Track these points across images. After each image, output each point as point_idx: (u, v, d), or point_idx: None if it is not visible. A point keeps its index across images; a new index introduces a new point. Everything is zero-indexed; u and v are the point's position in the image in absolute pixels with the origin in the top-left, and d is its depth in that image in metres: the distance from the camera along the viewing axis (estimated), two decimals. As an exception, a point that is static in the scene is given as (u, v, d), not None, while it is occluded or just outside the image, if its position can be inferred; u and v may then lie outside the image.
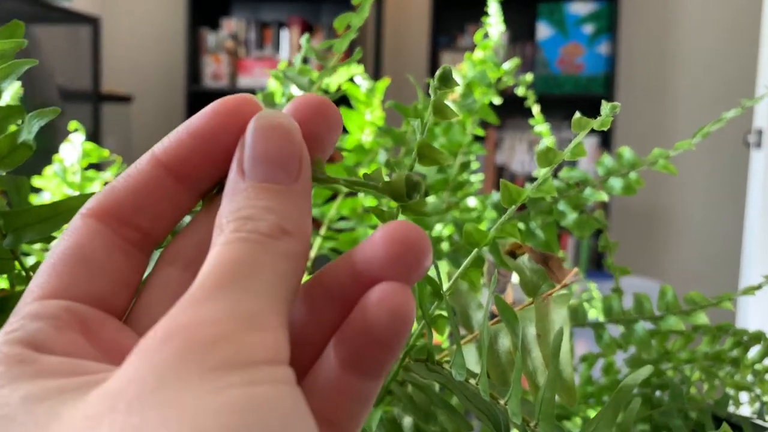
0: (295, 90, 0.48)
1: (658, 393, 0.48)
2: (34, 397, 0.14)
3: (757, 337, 0.52)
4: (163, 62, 2.90)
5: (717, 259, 2.57)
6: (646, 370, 0.20)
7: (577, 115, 0.26)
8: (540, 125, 0.58)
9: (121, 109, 2.63)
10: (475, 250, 0.27)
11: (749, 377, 0.53)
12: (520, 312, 0.32)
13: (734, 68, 2.51)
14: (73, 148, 0.58)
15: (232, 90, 2.84)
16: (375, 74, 2.68)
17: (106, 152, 0.60)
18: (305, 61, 0.46)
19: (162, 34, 2.91)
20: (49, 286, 0.18)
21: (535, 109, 0.59)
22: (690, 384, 0.51)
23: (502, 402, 0.24)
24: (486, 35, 0.56)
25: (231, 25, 2.93)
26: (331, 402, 0.18)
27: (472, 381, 0.25)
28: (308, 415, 0.14)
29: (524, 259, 0.34)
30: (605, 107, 0.26)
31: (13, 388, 0.15)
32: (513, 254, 0.34)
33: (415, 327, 0.28)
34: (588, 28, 2.62)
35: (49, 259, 0.18)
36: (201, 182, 0.19)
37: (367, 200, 0.52)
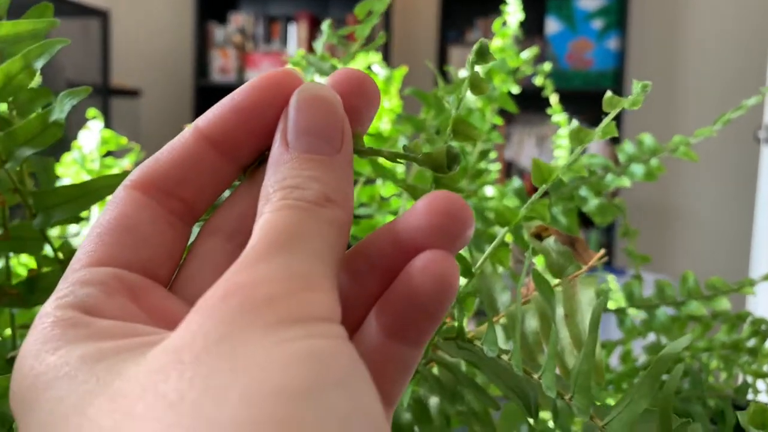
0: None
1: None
2: (91, 356, 0.15)
3: (776, 326, 0.52)
4: (172, 56, 2.90)
5: (727, 254, 2.56)
6: (686, 340, 0.20)
7: (609, 93, 0.26)
8: (558, 114, 0.58)
9: (129, 102, 2.64)
10: (506, 228, 0.27)
11: (766, 366, 0.53)
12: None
13: (744, 63, 2.50)
14: (92, 135, 0.58)
15: (240, 84, 2.83)
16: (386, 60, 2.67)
17: (124, 140, 0.60)
18: (311, 49, 0.46)
19: (170, 28, 2.91)
20: (96, 254, 0.18)
21: (554, 99, 0.59)
22: (708, 372, 0.51)
23: (535, 376, 0.24)
24: (504, 23, 0.56)
25: (239, 19, 2.93)
26: (373, 369, 0.18)
27: (504, 357, 0.26)
28: (364, 368, 0.14)
29: (550, 242, 0.34)
30: (636, 86, 0.26)
31: (70, 348, 0.15)
32: (539, 237, 0.34)
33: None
34: (597, 23, 2.61)
35: (96, 229, 0.19)
36: (243, 155, 0.20)
37: (385, 188, 0.52)
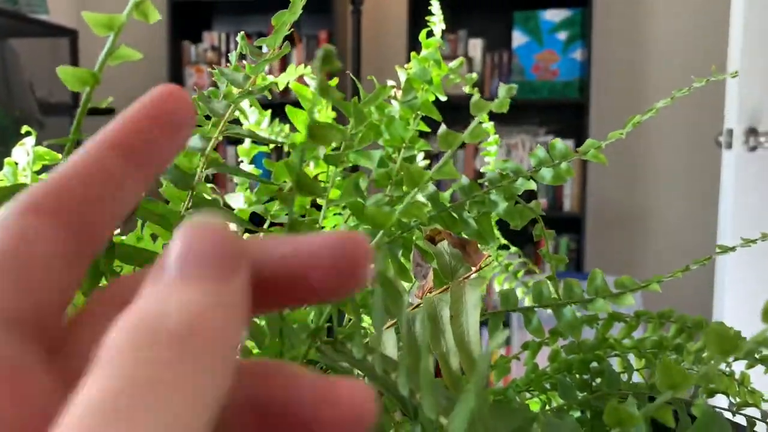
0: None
1: (597, 381, 0.48)
2: None
3: (700, 324, 0.53)
4: (145, 74, 2.90)
5: (692, 257, 2.59)
6: (502, 336, 0.20)
7: (476, 97, 0.27)
8: (487, 122, 0.59)
9: (102, 121, 2.62)
10: (380, 231, 0.27)
11: (694, 366, 0.54)
12: (438, 295, 0.33)
13: (706, 71, 2.55)
14: (25, 151, 0.58)
15: (212, 101, 2.84)
16: (356, 77, 2.69)
17: (58, 156, 0.60)
18: (243, 57, 0.47)
19: (143, 46, 2.91)
20: None
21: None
22: (632, 371, 0.52)
23: (392, 376, 0.25)
24: (429, 33, 0.57)
25: (213, 37, 2.94)
26: None
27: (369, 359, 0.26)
28: None
29: (443, 244, 0.34)
30: (503, 89, 0.27)
31: None
32: (433, 240, 0.35)
33: (325, 308, 0.29)
34: (562, 35, 2.65)
35: None
36: (148, 164, 0.18)
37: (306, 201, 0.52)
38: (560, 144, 0.46)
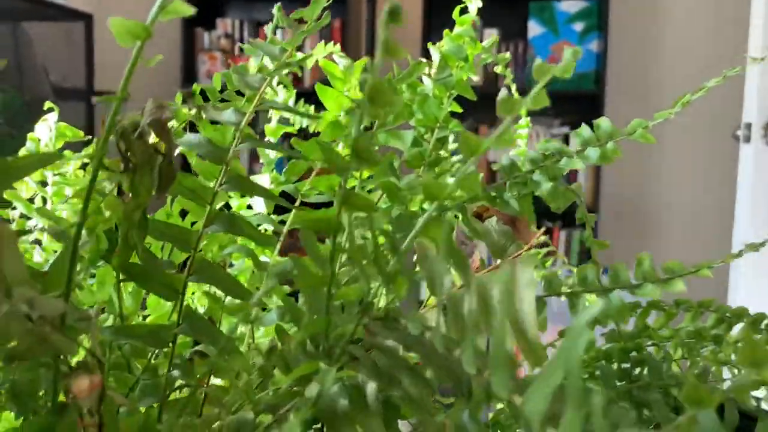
0: (267, 62, 0.47)
1: (637, 370, 0.47)
2: None
3: (740, 314, 0.51)
4: (159, 61, 2.88)
5: (707, 252, 2.57)
6: (595, 309, 0.19)
7: (579, 26, 0.26)
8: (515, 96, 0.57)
9: (113, 107, 2.61)
10: (435, 204, 0.26)
11: (732, 356, 0.52)
12: (487, 274, 0.31)
13: (723, 63, 2.51)
14: (48, 127, 0.57)
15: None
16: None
17: (81, 133, 0.59)
18: (277, 31, 0.45)
19: (157, 32, 2.89)
20: None
21: (513, 86, 0.59)
22: (671, 361, 0.50)
23: (457, 353, 0.23)
24: (464, 10, 0.55)
25: (226, 24, 2.92)
26: None
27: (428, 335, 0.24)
28: None
29: (492, 222, 0.33)
30: (568, 52, 0.25)
31: None
32: (480, 217, 0.33)
33: (373, 285, 0.27)
34: (578, 26, 2.62)
35: None
36: None
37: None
38: (605, 122, 0.45)
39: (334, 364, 0.30)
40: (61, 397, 0.31)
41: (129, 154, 0.31)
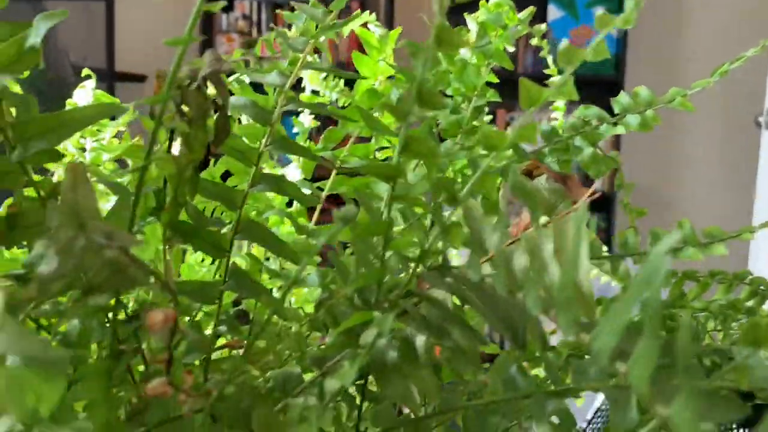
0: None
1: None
2: None
3: (775, 286, 0.51)
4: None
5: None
6: (673, 237, 0.19)
7: (600, 11, 0.26)
8: (556, 75, 0.57)
9: (134, 88, 2.63)
10: (493, 153, 0.26)
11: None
12: (538, 231, 0.32)
13: (746, 49, 2.48)
14: (86, 93, 0.58)
15: (243, 70, 2.84)
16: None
17: (117, 100, 0.60)
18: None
19: (175, 13, 2.90)
20: None
21: (550, 58, 0.58)
22: (705, 332, 0.50)
23: (519, 296, 0.24)
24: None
25: (244, 6, 2.92)
26: None
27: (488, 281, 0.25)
28: None
29: (541, 180, 0.33)
30: (629, 2, 0.25)
31: None
32: (530, 174, 0.34)
33: (431, 235, 0.28)
34: (598, 10, 2.59)
35: None
36: None
37: (380, 143, 0.51)
38: (644, 91, 0.45)
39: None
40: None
41: (184, 107, 0.31)
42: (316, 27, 0.45)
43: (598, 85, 2.55)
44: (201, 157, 0.33)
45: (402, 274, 0.29)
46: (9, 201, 0.34)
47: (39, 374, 0.18)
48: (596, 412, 0.72)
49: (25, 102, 0.34)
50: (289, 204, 0.56)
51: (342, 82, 0.63)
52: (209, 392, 0.25)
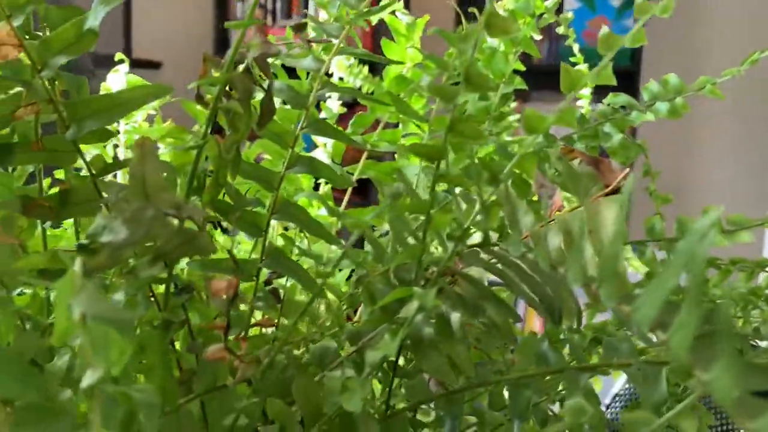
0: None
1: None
2: None
3: (797, 274, 0.51)
4: (192, 30, 2.90)
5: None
6: (716, 213, 0.20)
7: (605, 30, 0.26)
8: (581, 63, 0.57)
9: (150, 74, 2.64)
10: (534, 135, 0.27)
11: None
12: (572, 213, 0.33)
13: (763, 39, 2.46)
14: (119, 77, 0.59)
15: (259, 58, 2.85)
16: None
17: (148, 84, 0.61)
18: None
19: (192, 4, 2.92)
20: None
21: (575, 47, 0.59)
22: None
23: (561, 271, 0.25)
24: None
25: (258, -7, 2.93)
26: None
27: (529, 256, 0.26)
28: None
29: (574, 164, 0.34)
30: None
31: None
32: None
33: (470, 211, 0.29)
34: (615, 1, 2.58)
35: None
36: None
37: (407, 128, 0.52)
38: (674, 78, 0.45)
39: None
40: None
41: (230, 89, 0.32)
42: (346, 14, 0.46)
43: (615, 77, 2.54)
44: (244, 138, 0.34)
45: (438, 253, 0.30)
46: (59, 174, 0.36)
47: (113, 333, 0.20)
48: (614, 398, 0.73)
49: (76, 83, 0.35)
50: (315, 189, 0.57)
51: (366, 69, 0.64)
52: (259, 360, 0.27)
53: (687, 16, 2.63)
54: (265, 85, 0.33)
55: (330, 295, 0.39)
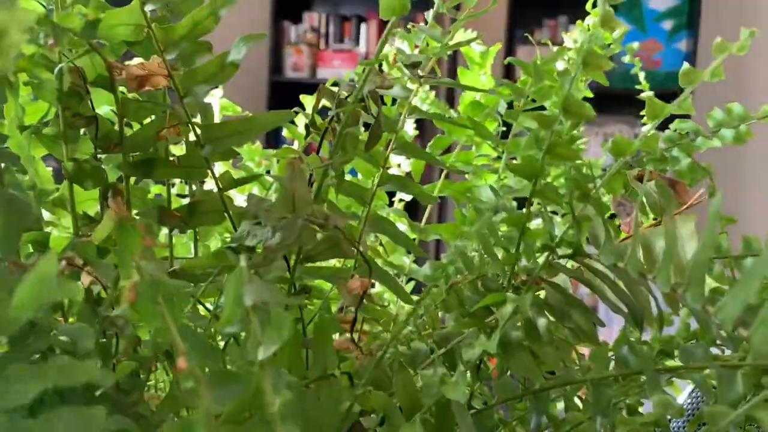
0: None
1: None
2: None
3: None
4: (248, 53, 3.01)
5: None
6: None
7: (686, 66, 0.30)
8: (648, 91, 0.61)
9: (207, 96, 2.75)
10: (621, 158, 0.31)
11: None
12: (650, 230, 0.36)
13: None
14: (213, 102, 0.65)
15: (313, 80, 2.93)
16: (452, 66, 2.71)
17: (238, 108, 0.66)
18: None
19: (248, 26, 3.03)
20: None
21: (641, 75, 0.62)
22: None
23: (650, 277, 0.28)
24: (594, 4, 0.59)
25: (312, 18, 3.02)
26: None
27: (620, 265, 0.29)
28: None
29: (652, 184, 0.37)
30: (744, 33, 0.30)
31: None
32: (641, 179, 0.38)
33: (562, 224, 0.32)
34: (667, 24, 2.58)
35: None
36: None
37: (481, 150, 0.56)
38: (737, 107, 0.48)
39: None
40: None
41: (340, 113, 0.37)
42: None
43: (666, 100, 2.54)
44: (352, 158, 0.38)
45: (527, 262, 0.34)
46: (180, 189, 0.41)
47: (283, 318, 0.24)
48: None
49: (204, 108, 0.40)
50: (389, 205, 0.61)
51: (433, 94, 0.68)
52: (373, 353, 0.31)
53: (739, 39, 2.61)
54: (374, 112, 0.37)
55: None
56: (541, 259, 0.33)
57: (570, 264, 0.36)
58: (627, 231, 0.37)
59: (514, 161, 0.48)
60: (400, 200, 0.62)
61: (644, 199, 0.37)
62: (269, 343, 0.23)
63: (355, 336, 0.31)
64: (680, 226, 0.35)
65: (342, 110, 0.35)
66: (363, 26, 2.97)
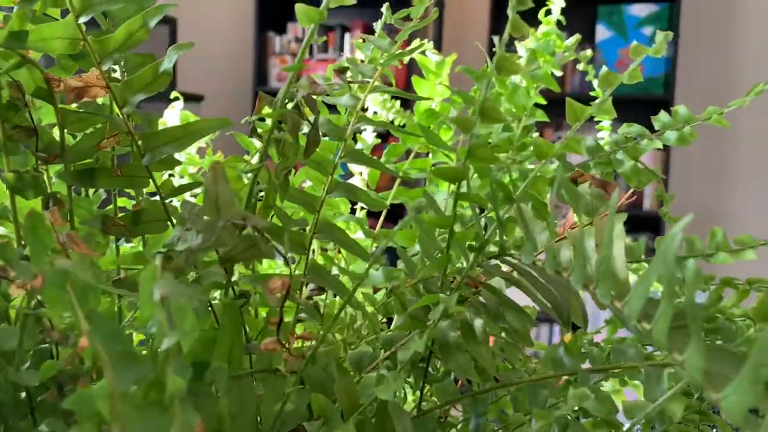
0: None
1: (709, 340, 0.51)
2: None
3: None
4: (233, 64, 3.02)
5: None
6: (686, 219, 0.24)
7: (635, 43, 0.31)
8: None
9: (192, 107, 2.76)
10: (543, 161, 0.31)
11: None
12: (582, 229, 0.37)
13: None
14: (174, 113, 0.65)
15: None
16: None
17: (196, 118, 0.67)
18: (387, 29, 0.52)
19: (232, 37, 3.04)
20: None
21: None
22: (744, 337, 0.54)
23: (565, 275, 0.29)
24: (548, 12, 0.60)
25: (297, 29, 3.04)
26: None
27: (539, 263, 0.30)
28: None
29: (585, 186, 0.38)
30: (660, 36, 0.31)
31: None
32: (575, 182, 0.39)
33: (489, 229, 0.33)
34: (647, 30, 2.61)
35: None
36: None
37: (436, 157, 0.57)
38: (683, 109, 0.49)
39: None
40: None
41: (281, 122, 0.37)
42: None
43: (648, 104, 2.56)
44: (292, 166, 0.39)
45: (460, 264, 0.34)
46: (126, 204, 0.41)
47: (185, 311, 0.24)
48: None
49: (148, 119, 0.40)
50: (351, 213, 0.62)
51: (398, 103, 0.69)
52: (303, 355, 0.31)
53: (719, 45, 2.64)
54: (312, 119, 0.38)
55: (368, 307, 0.43)
56: (470, 260, 0.33)
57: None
58: (561, 232, 0.37)
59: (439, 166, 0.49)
60: (362, 208, 0.63)
61: (577, 202, 0.37)
62: (172, 334, 0.23)
63: (292, 338, 0.32)
64: (609, 226, 0.36)
65: (268, 115, 0.35)
66: (347, 36, 2.99)
